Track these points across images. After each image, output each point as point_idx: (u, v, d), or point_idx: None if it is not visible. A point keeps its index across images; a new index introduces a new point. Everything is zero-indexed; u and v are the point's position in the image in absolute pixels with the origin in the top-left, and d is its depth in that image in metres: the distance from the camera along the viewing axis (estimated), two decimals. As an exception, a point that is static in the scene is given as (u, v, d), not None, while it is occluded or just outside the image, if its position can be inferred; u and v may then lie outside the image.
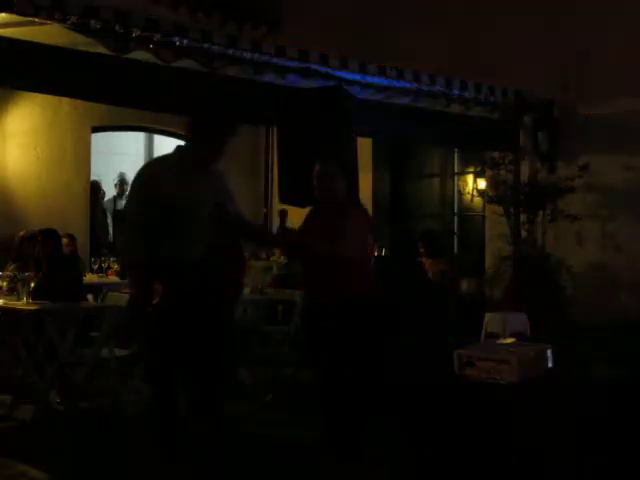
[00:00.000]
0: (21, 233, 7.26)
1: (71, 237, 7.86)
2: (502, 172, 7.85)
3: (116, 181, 10.60)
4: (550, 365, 5.48)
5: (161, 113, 7.96)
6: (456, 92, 7.29)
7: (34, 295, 5.82)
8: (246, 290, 6.45)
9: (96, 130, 9.24)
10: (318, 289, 4.59)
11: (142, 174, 4.25)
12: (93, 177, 9.50)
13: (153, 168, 4.42)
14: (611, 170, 7.57)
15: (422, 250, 7.45)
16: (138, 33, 5.51)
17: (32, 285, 5.85)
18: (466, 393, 5.04)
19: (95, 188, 9.74)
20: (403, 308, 6.65)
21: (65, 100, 8.33)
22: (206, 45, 5.89)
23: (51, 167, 8.78)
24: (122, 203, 10.59)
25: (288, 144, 6.56)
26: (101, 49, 5.53)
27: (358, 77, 6.61)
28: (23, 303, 5.74)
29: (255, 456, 4.71)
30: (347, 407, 4.45)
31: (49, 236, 6.40)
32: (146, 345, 4.43)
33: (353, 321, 4.44)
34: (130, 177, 10.98)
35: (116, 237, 9.39)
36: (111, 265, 8.03)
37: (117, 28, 5.40)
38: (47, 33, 5.34)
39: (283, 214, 9.59)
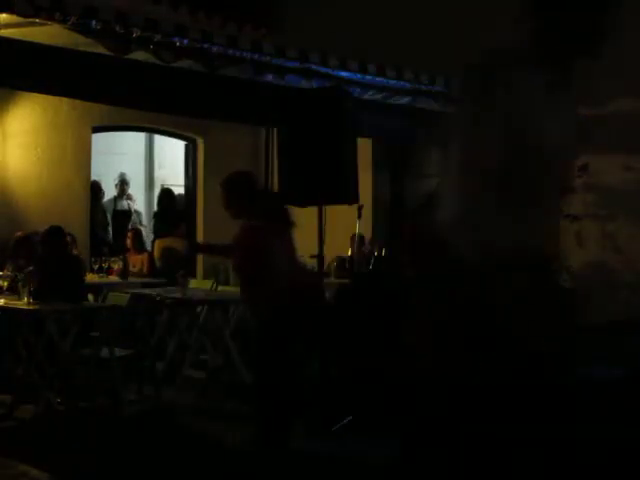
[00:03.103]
0: (18, 233, 7.27)
1: (71, 237, 7.87)
2: (502, 172, 7.84)
3: (116, 181, 10.60)
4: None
5: (161, 113, 7.96)
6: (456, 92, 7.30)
7: (35, 295, 5.82)
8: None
9: (96, 130, 9.23)
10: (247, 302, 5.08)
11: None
12: (93, 177, 9.49)
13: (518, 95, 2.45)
14: (611, 170, 7.57)
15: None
16: (138, 33, 5.51)
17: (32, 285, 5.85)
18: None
19: (95, 188, 9.74)
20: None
21: (65, 100, 8.31)
22: (206, 45, 5.89)
23: (51, 167, 8.77)
24: (122, 203, 10.59)
25: (288, 144, 6.55)
26: (101, 49, 5.53)
27: (358, 77, 6.62)
28: (24, 303, 5.74)
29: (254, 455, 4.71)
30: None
31: (55, 234, 6.39)
32: None
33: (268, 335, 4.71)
34: (130, 177, 10.98)
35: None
36: (111, 265, 8.03)
37: (117, 28, 5.40)
38: (47, 33, 5.34)
39: None
